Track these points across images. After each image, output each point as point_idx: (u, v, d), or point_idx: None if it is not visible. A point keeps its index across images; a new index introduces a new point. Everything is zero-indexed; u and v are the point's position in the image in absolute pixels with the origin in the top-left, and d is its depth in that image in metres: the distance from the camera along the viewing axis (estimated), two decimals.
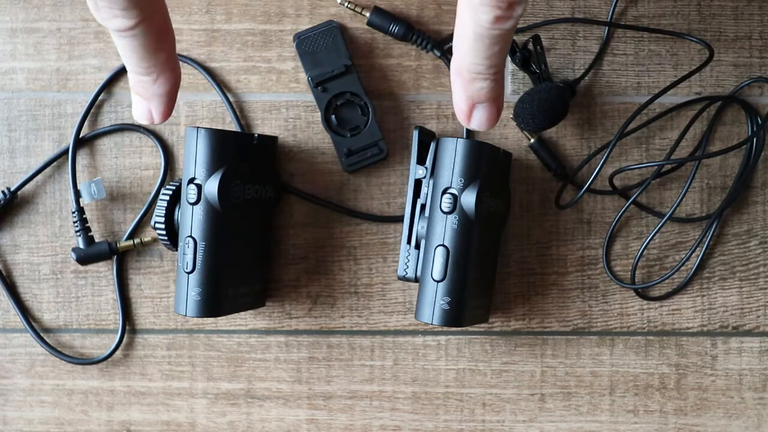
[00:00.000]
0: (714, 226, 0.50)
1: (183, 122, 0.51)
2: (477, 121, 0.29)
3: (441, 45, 0.50)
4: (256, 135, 0.47)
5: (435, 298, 0.43)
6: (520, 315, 0.51)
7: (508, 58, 0.50)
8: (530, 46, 0.48)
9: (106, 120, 0.51)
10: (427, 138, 0.46)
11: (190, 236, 0.43)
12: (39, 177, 0.51)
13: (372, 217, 0.51)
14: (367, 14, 0.49)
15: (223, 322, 0.51)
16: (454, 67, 0.28)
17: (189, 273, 0.44)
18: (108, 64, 0.51)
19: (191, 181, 0.43)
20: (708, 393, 0.51)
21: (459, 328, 0.51)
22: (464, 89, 0.28)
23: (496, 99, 0.29)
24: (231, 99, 0.50)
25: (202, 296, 0.44)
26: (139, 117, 0.33)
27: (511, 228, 0.51)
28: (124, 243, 0.50)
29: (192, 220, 0.43)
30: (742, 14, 0.50)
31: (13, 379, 0.52)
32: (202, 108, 0.51)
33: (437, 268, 0.43)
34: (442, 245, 0.43)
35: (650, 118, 0.49)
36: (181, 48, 0.50)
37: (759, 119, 0.50)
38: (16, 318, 0.51)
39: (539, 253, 0.51)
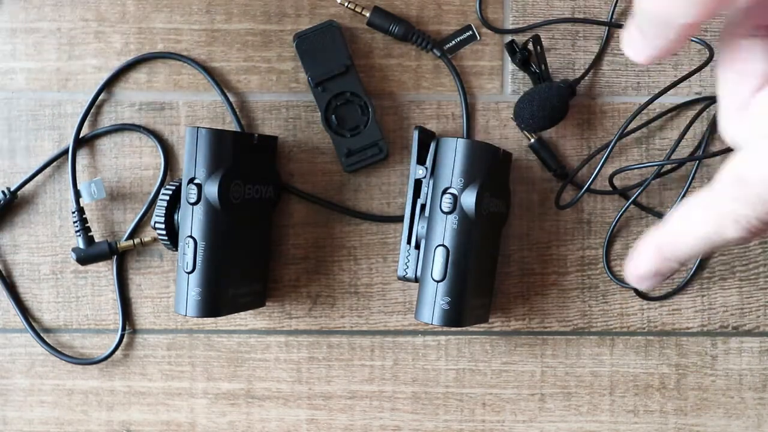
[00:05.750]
0: None
1: (183, 122, 0.51)
2: (648, 285, 0.28)
3: (441, 45, 0.50)
4: (256, 135, 0.47)
5: (435, 298, 0.43)
6: (520, 315, 0.51)
7: (508, 58, 0.50)
8: (530, 46, 0.48)
9: (106, 120, 0.51)
10: (427, 138, 0.46)
11: (190, 236, 0.43)
12: (39, 177, 0.51)
13: (372, 217, 0.51)
14: (367, 14, 0.49)
15: (223, 322, 0.51)
16: (658, 239, 0.26)
17: (189, 273, 0.44)
18: (108, 64, 0.51)
19: (191, 181, 0.43)
20: (708, 393, 0.51)
21: (459, 328, 0.51)
22: (655, 262, 0.27)
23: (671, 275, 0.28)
24: (231, 99, 0.50)
25: (202, 296, 0.44)
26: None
27: (511, 228, 0.51)
28: (124, 243, 0.50)
29: (192, 220, 0.43)
30: None
31: (13, 379, 0.52)
32: (202, 108, 0.51)
33: (437, 268, 0.43)
34: (442, 245, 0.43)
35: (650, 118, 0.49)
36: (181, 48, 0.50)
37: None
38: (16, 318, 0.51)
39: (539, 253, 0.51)
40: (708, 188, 0.24)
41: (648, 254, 0.27)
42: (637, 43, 0.23)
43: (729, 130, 0.25)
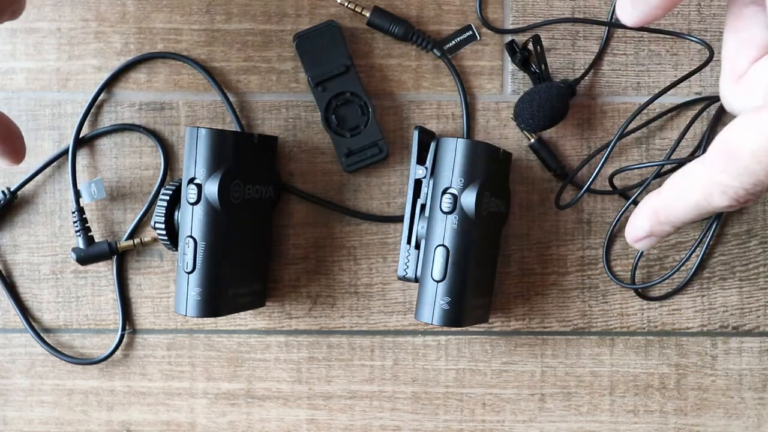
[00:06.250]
0: (714, 226, 0.50)
1: (183, 122, 0.51)
2: (643, 245, 0.30)
3: (441, 45, 0.50)
4: (256, 135, 0.47)
5: (435, 298, 0.43)
6: (520, 315, 0.51)
7: (508, 58, 0.50)
8: (530, 46, 0.48)
9: (106, 120, 0.51)
10: (427, 138, 0.46)
11: (190, 236, 0.43)
12: (39, 177, 0.51)
13: (372, 217, 0.51)
14: (367, 14, 0.49)
15: (223, 322, 0.51)
16: (655, 202, 0.28)
17: (189, 273, 0.44)
18: (108, 64, 0.51)
19: (191, 181, 0.43)
20: (708, 393, 0.51)
21: (459, 328, 0.51)
22: (651, 223, 0.29)
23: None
24: (231, 99, 0.50)
25: (202, 296, 0.44)
26: None
27: (511, 228, 0.51)
28: (124, 243, 0.50)
29: (192, 220, 0.43)
30: None
31: (13, 379, 0.52)
32: (202, 108, 0.51)
33: (437, 268, 0.43)
34: (442, 245, 0.43)
35: (650, 118, 0.49)
36: (181, 48, 0.50)
37: None
38: (16, 318, 0.51)
39: (539, 253, 0.51)
40: (701, 158, 0.25)
41: (645, 216, 0.28)
42: (627, 6, 0.25)
43: (728, 98, 0.26)
